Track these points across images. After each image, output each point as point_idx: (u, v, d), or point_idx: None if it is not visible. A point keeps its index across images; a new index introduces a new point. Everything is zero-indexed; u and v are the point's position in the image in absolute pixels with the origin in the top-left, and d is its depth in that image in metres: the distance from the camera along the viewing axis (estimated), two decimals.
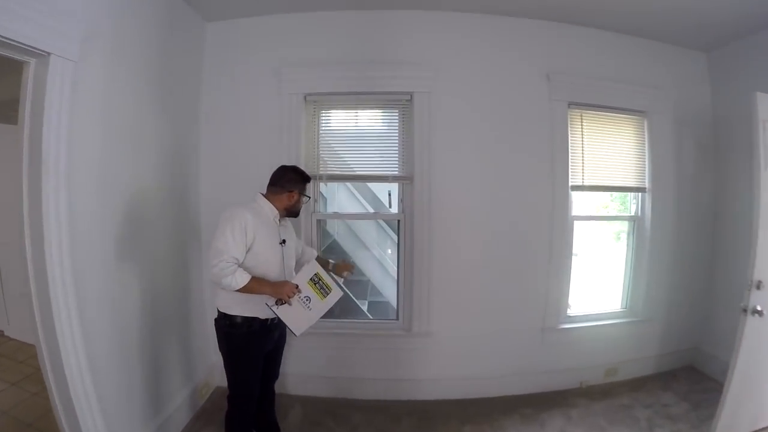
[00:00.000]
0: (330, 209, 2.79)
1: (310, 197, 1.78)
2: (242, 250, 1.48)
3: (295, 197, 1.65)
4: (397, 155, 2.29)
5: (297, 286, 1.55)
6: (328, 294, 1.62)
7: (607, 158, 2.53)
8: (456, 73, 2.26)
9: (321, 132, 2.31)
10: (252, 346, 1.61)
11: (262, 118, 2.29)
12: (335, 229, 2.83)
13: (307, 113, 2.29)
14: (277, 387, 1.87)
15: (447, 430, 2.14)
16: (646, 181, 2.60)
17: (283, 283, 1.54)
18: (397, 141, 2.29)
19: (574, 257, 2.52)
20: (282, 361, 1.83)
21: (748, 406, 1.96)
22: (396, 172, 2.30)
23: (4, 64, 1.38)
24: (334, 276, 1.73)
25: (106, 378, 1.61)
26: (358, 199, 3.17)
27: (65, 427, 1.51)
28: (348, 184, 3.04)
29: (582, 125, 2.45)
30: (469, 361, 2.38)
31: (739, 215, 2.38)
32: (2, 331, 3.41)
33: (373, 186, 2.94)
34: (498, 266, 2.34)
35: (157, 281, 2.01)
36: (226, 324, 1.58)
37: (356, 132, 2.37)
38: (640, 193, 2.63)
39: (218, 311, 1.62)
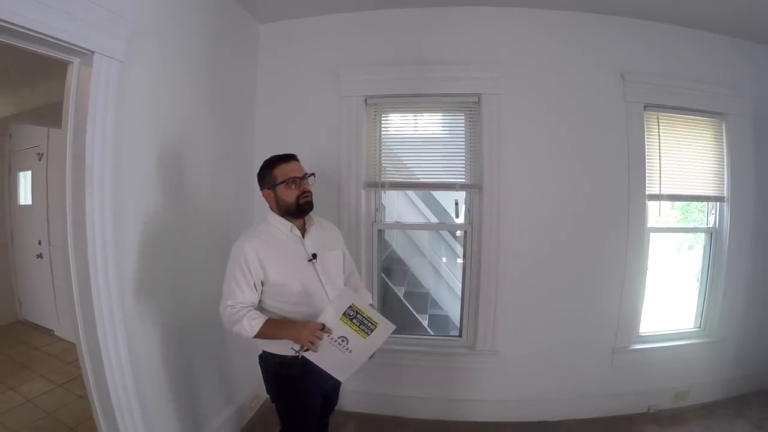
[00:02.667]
0: (389, 218, 2.65)
1: (300, 176, 1.31)
2: (249, 291, 1.25)
3: (272, 194, 1.31)
4: (463, 162, 2.16)
5: (323, 326, 1.21)
6: (372, 330, 1.24)
7: (685, 165, 2.32)
8: (525, 73, 2.12)
9: (382, 136, 2.20)
10: (310, 389, 1.31)
11: (320, 121, 2.21)
12: (394, 238, 2.72)
13: (368, 117, 2.19)
14: None
15: None
16: (725, 189, 2.37)
17: (304, 325, 1.21)
18: (463, 146, 2.16)
19: (648, 272, 2.32)
20: None
21: None
22: (463, 180, 2.16)
23: (54, 67, 1.34)
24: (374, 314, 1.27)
25: (151, 389, 1.56)
26: (417, 207, 3.03)
27: None
28: (408, 192, 2.91)
29: (659, 129, 2.25)
30: (533, 382, 2.23)
31: None
32: (52, 331, 3.46)
33: (435, 193, 2.79)
34: (570, 281, 2.18)
35: (210, 292, 1.93)
36: (275, 363, 1.30)
37: (420, 137, 2.24)
38: (718, 203, 2.41)
39: (263, 351, 1.35)
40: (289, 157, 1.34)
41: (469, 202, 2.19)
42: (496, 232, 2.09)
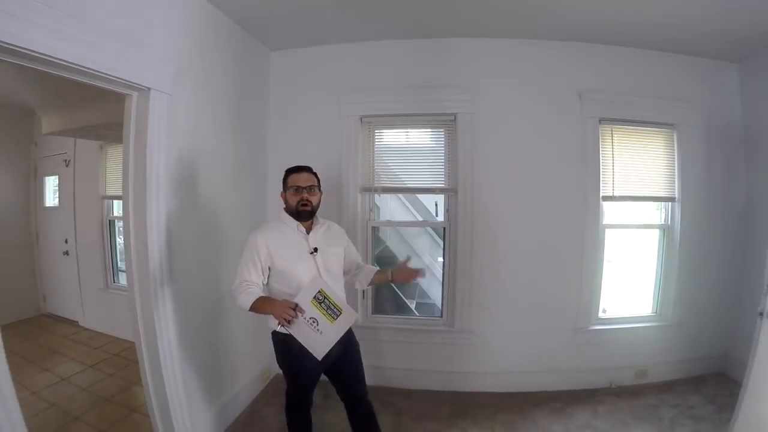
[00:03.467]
0: (383, 218, 3.14)
1: (304, 186, 1.60)
2: (255, 273, 1.54)
3: (284, 196, 1.64)
4: (443, 169, 2.65)
5: (296, 306, 1.43)
6: (338, 316, 1.47)
7: (637, 169, 2.77)
8: (495, 94, 2.59)
9: (375, 149, 2.70)
10: (307, 361, 1.54)
11: (323, 136, 2.69)
12: (387, 236, 3.22)
13: (363, 132, 2.68)
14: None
15: (482, 417, 2.44)
16: (676, 190, 2.80)
17: (282, 303, 1.45)
18: (443, 156, 2.65)
19: (607, 263, 2.77)
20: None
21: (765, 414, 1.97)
22: (442, 185, 2.66)
23: (106, 94, 1.72)
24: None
25: (186, 363, 2.00)
26: (408, 209, 3.60)
27: (153, 398, 1.90)
28: (399, 195, 3.43)
29: (612, 139, 2.72)
30: (505, 357, 2.69)
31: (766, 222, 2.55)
32: (77, 322, 3.94)
33: (422, 197, 3.31)
34: (533, 270, 2.65)
35: (229, 278, 2.40)
36: (279, 339, 1.59)
37: (406, 148, 2.76)
38: (670, 203, 2.84)
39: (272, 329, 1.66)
40: (301, 169, 1.64)
41: (447, 203, 2.68)
42: (469, 228, 2.57)
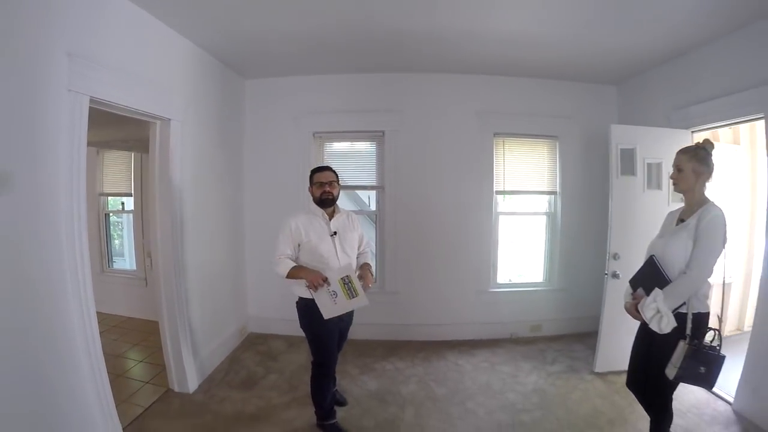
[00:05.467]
0: None
1: (325, 181, 2.13)
2: (289, 248, 2.06)
3: (311, 190, 2.19)
4: (375, 171, 3.80)
5: (326, 279, 1.93)
6: (354, 297, 2.02)
7: (525, 170, 3.95)
8: (414, 115, 3.72)
9: (325, 156, 3.81)
10: (329, 321, 2.04)
11: (284, 147, 3.77)
12: None
13: (315, 144, 3.79)
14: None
15: (407, 354, 3.56)
16: (557, 186, 3.96)
17: (315, 273, 1.94)
18: (375, 162, 3.80)
19: (510, 243, 3.94)
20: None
21: (617, 349, 2.92)
22: (374, 183, 3.81)
23: (119, 119, 2.53)
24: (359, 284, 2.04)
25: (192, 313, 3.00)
26: (354, 201, 4.89)
27: (168, 340, 2.85)
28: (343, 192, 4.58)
29: (504, 148, 3.89)
30: (424, 313, 3.82)
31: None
32: None
33: (360, 192, 4.52)
34: (444, 246, 3.79)
35: (219, 256, 3.46)
36: (303, 305, 2.11)
37: (348, 156, 3.91)
38: (552, 196, 4.02)
39: (298, 297, 2.15)
40: (323, 168, 2.20)
41: (378, 197, 3.82)
42: (393, 215, 3.71)
